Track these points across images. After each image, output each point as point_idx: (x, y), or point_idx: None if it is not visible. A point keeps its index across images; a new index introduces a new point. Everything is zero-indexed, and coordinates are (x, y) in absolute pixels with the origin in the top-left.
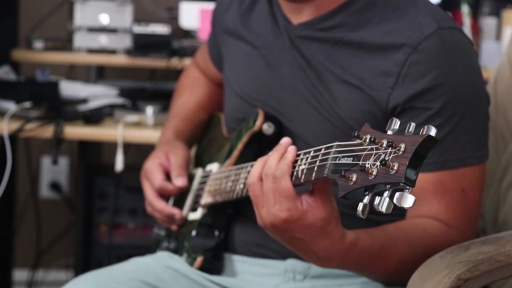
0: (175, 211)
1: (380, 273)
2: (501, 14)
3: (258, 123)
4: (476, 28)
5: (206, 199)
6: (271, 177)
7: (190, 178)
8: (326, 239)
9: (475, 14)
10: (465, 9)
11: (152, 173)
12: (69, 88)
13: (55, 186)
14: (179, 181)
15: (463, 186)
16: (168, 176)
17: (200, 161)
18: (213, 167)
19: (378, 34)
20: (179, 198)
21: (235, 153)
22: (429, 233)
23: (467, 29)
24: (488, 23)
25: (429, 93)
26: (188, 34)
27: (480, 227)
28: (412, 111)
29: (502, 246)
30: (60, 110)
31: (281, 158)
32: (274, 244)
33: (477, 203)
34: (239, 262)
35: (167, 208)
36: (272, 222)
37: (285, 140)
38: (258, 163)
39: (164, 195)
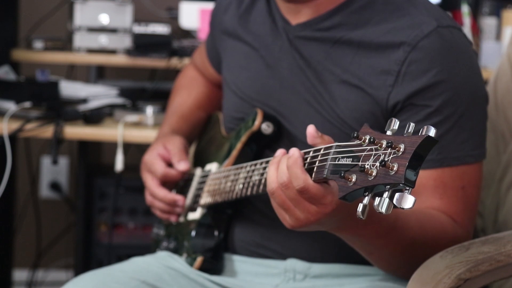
0: (178, 197)
1: (393, 249)
2: (501, 14)
3: (257, 122)
4: (476, 28)
5: (205, 199)
6: (294, 193)
7: (189, 177)
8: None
9: (475, 14)
10: (465, 9)
11: (153, 163)
12: (69, 88)
13: (55, 186)
14: (182, 166)
15: (463, 184)
16: (169, 166)
17: (199, 161)
18: (212, 167)
19: (377, 33)
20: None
21: (234, 152)
22: (437, 219)
23: (467, 29)
24: (488, 23)
25: (429, 91)
26: (188, 34)
27: (480, 227)
28: (411, 109)
29: (502, 246)
30: (60, 110)
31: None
32: (274, 244)
33: (476, 201)
34: (239, 262)
35: (169, 195)
36: (318, 219)
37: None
38: (272, 167)
39: (168, 182)
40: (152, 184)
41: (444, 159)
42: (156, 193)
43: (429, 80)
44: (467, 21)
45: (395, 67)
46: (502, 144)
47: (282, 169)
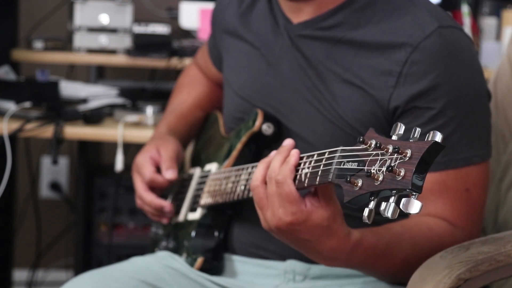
0: (164, 203)
1: (384, 272)
2: (501, 14)
3: (257, 123)
4: (476, 28)
5: (205, 199)
6: (274, 181)
7: (188, 177)
8: (332, 239)
9: (475, 14)
10: (465, 9)
11: (143, 166)
12: (69, 88)
13: (55, 186)
14: (169, 174)
15: (467, 186)
16: (159, 170)
17: (198, 160)
18: (212, 167)
19: (378, 33)
20: (177, 198)
21: (234, 153)
22: (434, 232)
23: (467, 29)
24: (488, 23)
25: (431, 92)
26: (188, 34)
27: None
28: (414, 111)
29: (502, 246)
30: (60, 110)
31: (284, 161)
32: (273, 246)
33: (481, 202)
34: (240, 263)
35: (156, 200)
36: (277, 225)
37: (288, 142)
38: (261, 166)
39: (155, 187)
40: (140, 187)
41: (449, 161)
42: (144, 197)
43: (431, 82)
44: (467, 21)
45: (397, 68)
46: (502, 144)
47: (274, 167)
